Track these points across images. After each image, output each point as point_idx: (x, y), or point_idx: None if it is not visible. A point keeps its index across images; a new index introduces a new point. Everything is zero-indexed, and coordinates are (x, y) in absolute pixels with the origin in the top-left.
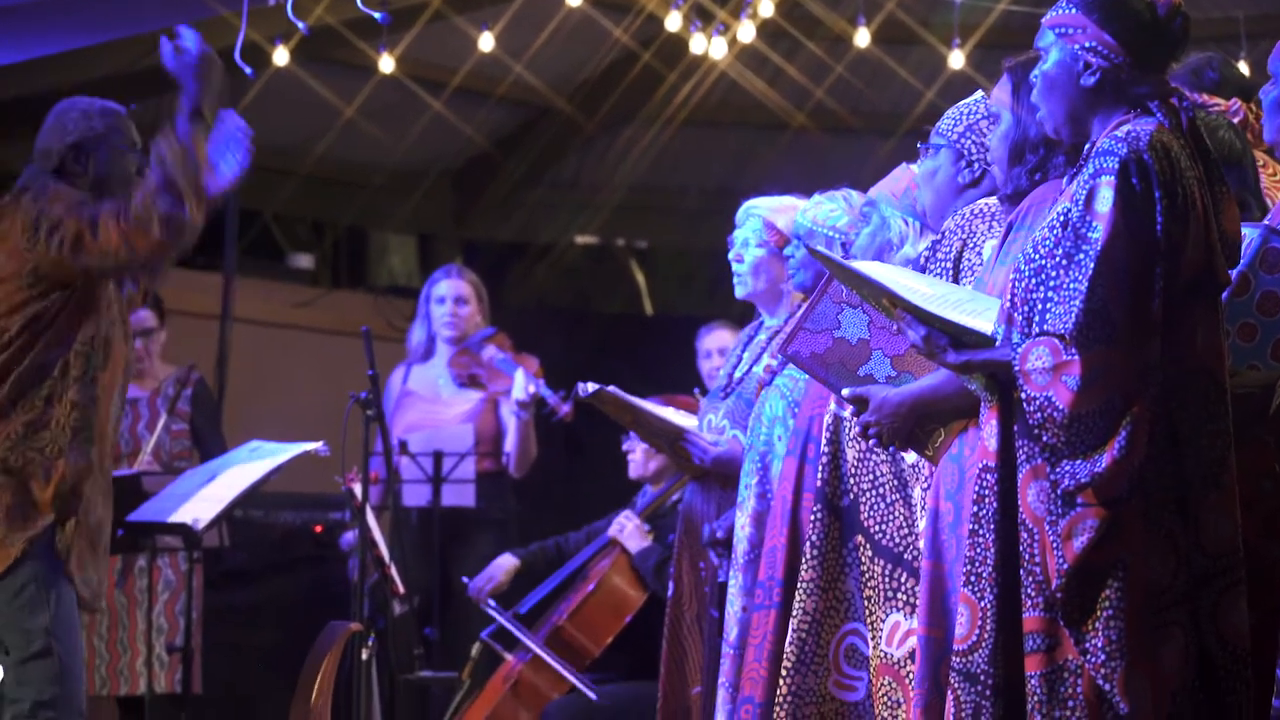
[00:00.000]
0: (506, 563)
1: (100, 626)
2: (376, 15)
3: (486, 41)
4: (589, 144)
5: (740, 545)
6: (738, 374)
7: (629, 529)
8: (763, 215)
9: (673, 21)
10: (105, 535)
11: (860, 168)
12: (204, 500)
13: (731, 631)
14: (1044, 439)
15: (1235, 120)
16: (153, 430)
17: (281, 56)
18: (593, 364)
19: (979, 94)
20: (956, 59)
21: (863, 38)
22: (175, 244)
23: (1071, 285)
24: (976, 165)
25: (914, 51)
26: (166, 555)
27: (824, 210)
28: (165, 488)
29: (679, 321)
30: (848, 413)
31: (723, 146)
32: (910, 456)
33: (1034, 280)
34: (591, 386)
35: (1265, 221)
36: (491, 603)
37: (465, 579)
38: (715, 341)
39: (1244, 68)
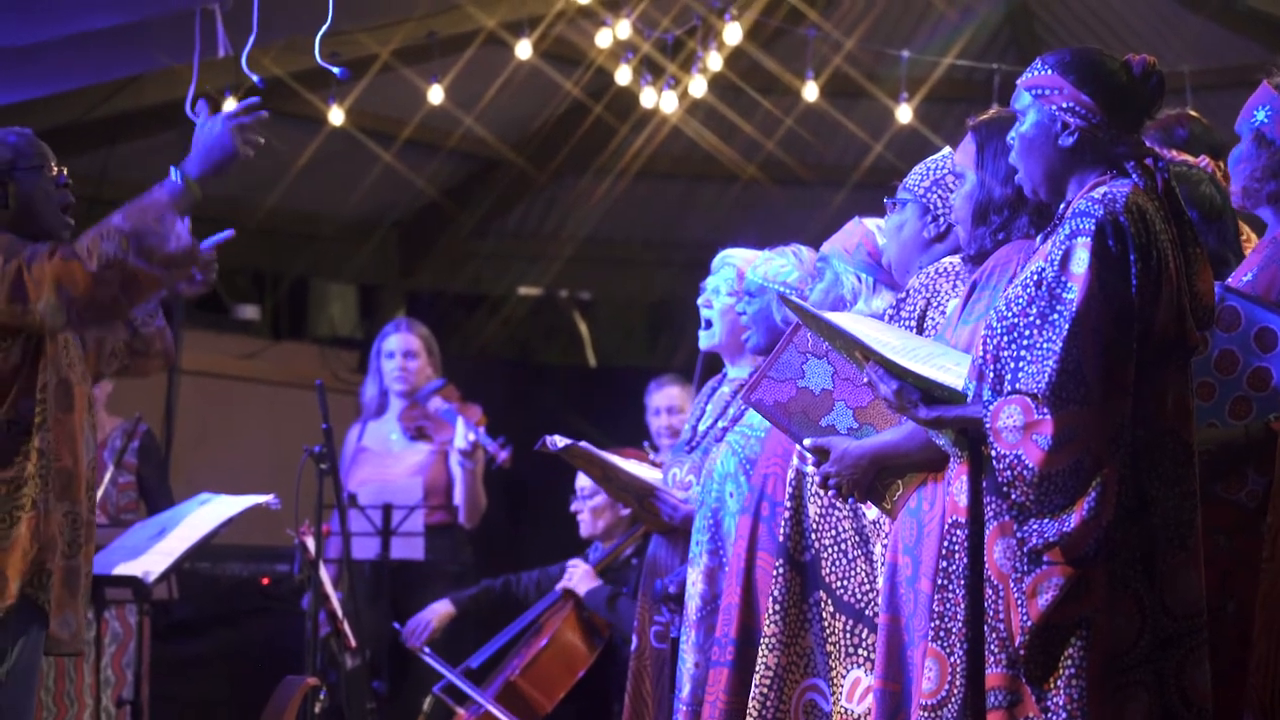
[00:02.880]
0: (441, 609)
1: (47, 679)
2: (336, 70)
3: (436, 94)
4: (538, 196)
5: (692, 601)
6: (702, 427)
7: (578, 574)
8: (737, 265)
9: (622, 75)
10: (82, 578)
11: (810, 219)
12: (155, 553)
13: (684, 687)
14: (1013, 497)
15: None
16: (99, 483)
17: (231, 108)
18: (537, 415)
19: (946, 150)
20: (904, 113)
21: (811, 91)
22: (114, 288)
23: (1045, 345)
24: (942, 220)
25: (862, 105)
26: (113, 607)
27: (774, 265)
28: (115, 540)
29: (623, 373)
30: (810, 467)
31: (674, 198)
32: (872, 511)
33: (1006, 338)
34: (562, 441)
35: (1225, 281)
36: (427, 650)
37: (396, 625)
38: (664, 399)
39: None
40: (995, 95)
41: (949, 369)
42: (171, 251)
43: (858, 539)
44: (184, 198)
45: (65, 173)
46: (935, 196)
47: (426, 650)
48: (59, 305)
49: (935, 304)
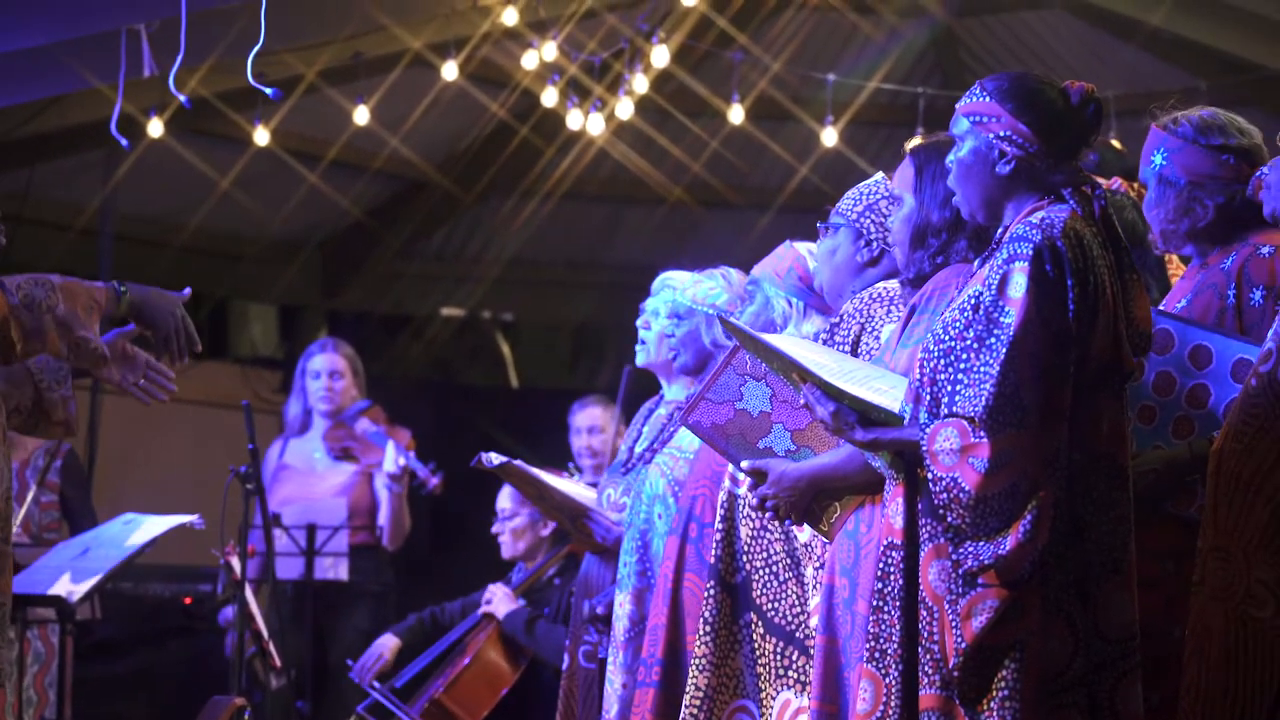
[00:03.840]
0: (389, 643)
1: None
2: (269, 91)
3: (362, 115)
4: (463, 217)
5: (620, 622)
6: (638, 449)
7: (497, 597)
8: (676, 287)
9: (548, 97)
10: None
11: (737, 241)
12: (78, 573)
13: (611, 708)
14: (949, 519)
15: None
16: (22, 502)
17: (156, 128)
18: (460, 436)
19: (879, 175)
20: (830, 136)
21: (737, 114)
22: (22, 331)
23: (982, 368)
24: (875, 244)
25: (788, 128)
26: (36, 627)
27: (703, 288)
28: (38, 560)
29: (546, 394)
30: (743, 489)
31: (599, 221)
32: (804, 534)
33: (943, 361)
34: (497, 458)
35: (1159, 306)
36: (377, 685)
37: (350, 661)
38: (586, 419)
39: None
40: (920, 119)
41: (886, 391)
42: (80, 336)
43: (789, 561)
44: (112, 305)
45: None
46: (868, 221)
47: (376, 685)
48: None
49: (870, 329)
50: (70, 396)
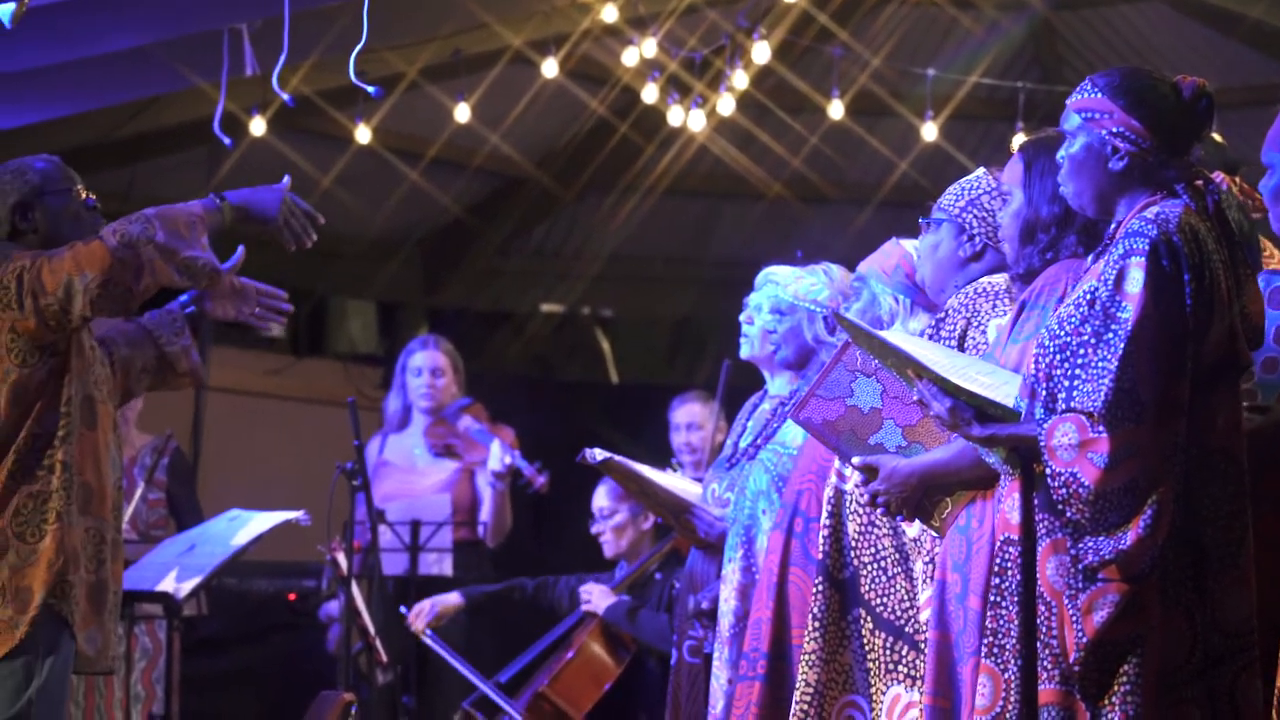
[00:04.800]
0: (451, 598)
1: (77, 694)
2: (370, 89)
3: (462, 112)
4: (562, 214)
5: (725, 618)
6: (743, 444)
7: (595, 595)
8: (779, 283)
9: (649, 94)
10: (110, 594)
11: (835, 236)
12: (185, 569)
13: (717, 704)
14: (1068, 514)
15: None
16: (130, 499)
17: (259, 126)
18: (559, 432)
19: (981, 169)
20: (929, 130)
21: (837, 110)
22: (130, 271)
23: (1100, 364)
24: (978, 239)
25: (888, 123)
26: (143, 623)
27: (805, 284)
28: (145, 556)
29: (646, 390)
30: (850, 485)
31: (698, 216)
32: (912, 529)
33: (1058, 356)
34: (600, 454)
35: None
36: (429, 633)
37: (403, 609)
38: (685, 415)
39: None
40: (1020, 113)
41: (998, 387)
42: (187, 257)
43: (897, 556)
44: (215, 217)
45: (94, 197)
46: (971, 216)
47: (428, 633)
48: (77, 287)
49: (975, 324)
50: (190, 345)
